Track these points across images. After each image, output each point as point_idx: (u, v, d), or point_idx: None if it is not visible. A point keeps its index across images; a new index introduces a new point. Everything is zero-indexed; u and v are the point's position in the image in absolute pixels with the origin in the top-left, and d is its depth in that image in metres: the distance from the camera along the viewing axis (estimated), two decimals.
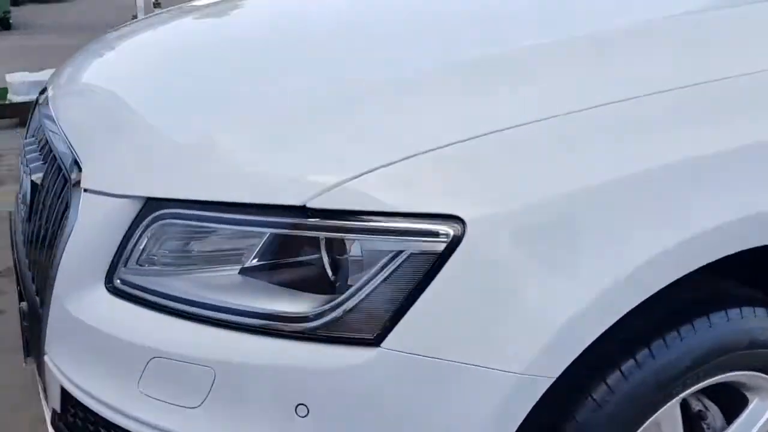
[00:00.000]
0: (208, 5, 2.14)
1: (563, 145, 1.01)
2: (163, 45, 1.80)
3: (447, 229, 0.95)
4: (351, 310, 0.97)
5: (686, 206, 1.02)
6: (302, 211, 0.98)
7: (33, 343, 1.30)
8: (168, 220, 1.07)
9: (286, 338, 0.99)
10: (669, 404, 1.11)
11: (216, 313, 1.02)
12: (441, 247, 0.95)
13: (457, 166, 0.99)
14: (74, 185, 1.18)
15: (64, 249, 1.14)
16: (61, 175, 1.28)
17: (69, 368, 1.17)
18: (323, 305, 0.98)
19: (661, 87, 1.07)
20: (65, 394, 1.18)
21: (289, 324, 0.99)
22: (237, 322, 1.01)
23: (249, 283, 1.03)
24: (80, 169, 1.20)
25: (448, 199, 0.97)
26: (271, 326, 0.99)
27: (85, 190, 1.15)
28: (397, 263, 0.96)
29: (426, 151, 0.99)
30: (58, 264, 1.15)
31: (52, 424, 1.25)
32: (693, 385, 1.11)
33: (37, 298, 1.26)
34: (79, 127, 1.36)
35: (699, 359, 1.09)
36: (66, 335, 1.17)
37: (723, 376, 1.15)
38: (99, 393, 1.11)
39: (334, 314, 0.97)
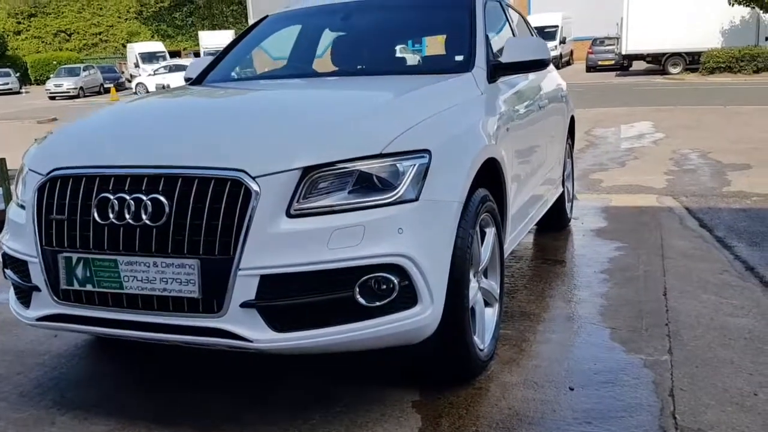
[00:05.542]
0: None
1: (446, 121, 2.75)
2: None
3: (426, 154, 2.45)
4: (405, 191, 2.36)
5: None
6: (378, 156, 2.37)
7: (214, 284, 2.27)
8: (315, 176, 2.32)
9: (383, 207, 2.32)
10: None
11: (355, 205, 2.30)
12: (427, 160, 2.44)
13: (423, 130, 2.53)
14: (255, 178, 2.27)
15: (255, 211, 2.24)
16: (208, 185, 2.30)
17: (267, 262, 2.24)
18: (396, 192, 2.34)
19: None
20: (263, 279, 2.24)
21: (384, 200, 2.33)
22: (362, 206, 2.30)
23: (357, 193, 2.33)
24: (243, 172, 2.28)
25: (425, 142, 2.48)
26: (379, 203, 2.33)
27: (261, 176, 2.27)
28: (414, 169, 2.40)
29: (414, 126, 2.54)
30: (250, 220, 2.23)
31: (244, 306, 2.27)
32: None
33: (214, 256, 2.26)
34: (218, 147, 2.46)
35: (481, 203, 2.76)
36: (263, 247, 2.24)
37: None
38: (294, 261, 2.24)
39: (399, 194, 2.35)
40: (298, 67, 4.16)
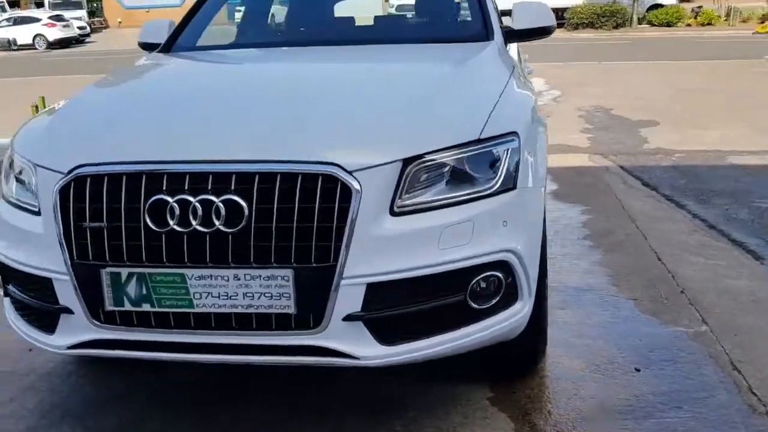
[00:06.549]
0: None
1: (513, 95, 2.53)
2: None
3: (515, 136, 2.20)
4: (503, 179, 2.13)
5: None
6: (476, 141, 2.11)
7: (312, 296, 1.97)
8: (416, 168, 2.04)
9: (485, 198, 2.09)
10: None
11: (460, 198, 2.06)
12: (517, 144, 2.19)
13: (505, 110, 2.29)
14: (351, 172, 1.95)
15: (357, 210, 1.93)
16: (296, 182, 1.96)
17: (374, 269, 1.95)
18: (495, 181, 2.11)
19: None
20: (371, 288, 1.96)
21: (486, 191, 2.10)
22: (467, 200, 2.08)
23: (455, 184, 2.09)
24: (339, 167, 1.96)
25: (512, 123, 2.24)
26: (482, 195, 2.10)
27: (358, 170, 1.96)
28: (508, 155, 2.16)
29: (496, 105, 2.28)
30: (353, 221, 1.93)
31: (349, 319, 2.00)
32: None
33: (311, 264, 1.95)
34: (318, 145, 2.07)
35: None
36: (369, 251, 1.95)
37: None
38: (405, 265, 1.98)
39: (499, 183, 2.12)
40: (292, 32, 3.73)
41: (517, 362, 2.62)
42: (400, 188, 2.02)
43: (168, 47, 3.47)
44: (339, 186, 1.95)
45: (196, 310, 2.01)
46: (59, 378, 2.80)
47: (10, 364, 2.92)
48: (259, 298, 1.97)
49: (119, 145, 2.13)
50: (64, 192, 2.06)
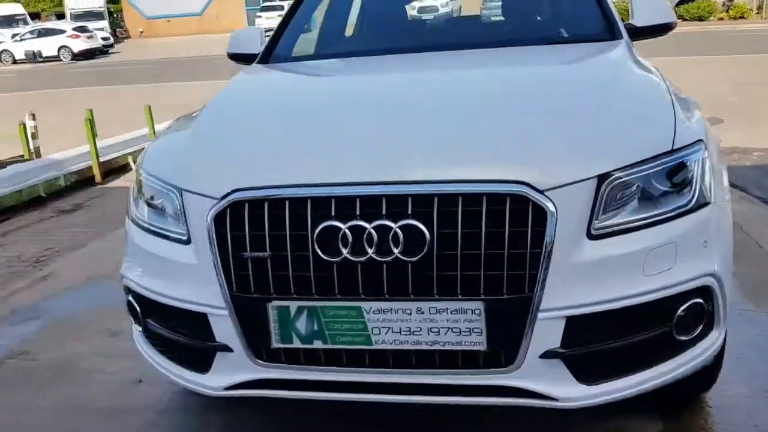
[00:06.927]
0: None
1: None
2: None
3: (701, 144, 1.99)
4: (699, 193, 1.91)
5: None
6: (670, 152, 1.90)
7: (505, 331, 1.78)
8: (613, 183, 1.82)
9: (684, 216, 1.87)
10: None
11: (659, 216, 1.85)
12: (704, 153, 1.98)
13: (685, 116, 2.09)
14: (543, 192, 1.75)
15: (554, 234, 1.73)
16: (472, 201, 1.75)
17: (574, 300, 1.75)
18: (692, 195, 1.89)
19: None
20: (571, 322, 1.75)
21: (685, 208, 1.88)
22: (666, 218, 1.85)
23: (650, 201, 1.87)
24: (524, 184, 1.75)
25: (696, 131, 2.03)
26: (681, 212, 1.87)
27: (550, 189, 1.75)
28: (699, 166, 1.94)
29: (676, 111, 2.06)
30: (549, 247, 1.73)
31: (546, 356, 1.79)
32: None
33: (504, 296, 1.75)
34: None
35: None
36: (568, 280, 1.75)
37: None
38: (608, 295, 1.77)
39: (695, 198, 1.90)
40: (392, 38, 3.49)
41: (691, 391, 2.40)
42: (597, 208, 1.80)
43: (266, 58, 3.28)
44: (530, 207, 1.75)
45: (375, 347, 1.81)
46: (180, 411, 2.63)
47: (122, 399, 2.74)
48: (445, 333, 1.77)
49: (277, 167, 1.93)
50: (219, 219, 1.87)
